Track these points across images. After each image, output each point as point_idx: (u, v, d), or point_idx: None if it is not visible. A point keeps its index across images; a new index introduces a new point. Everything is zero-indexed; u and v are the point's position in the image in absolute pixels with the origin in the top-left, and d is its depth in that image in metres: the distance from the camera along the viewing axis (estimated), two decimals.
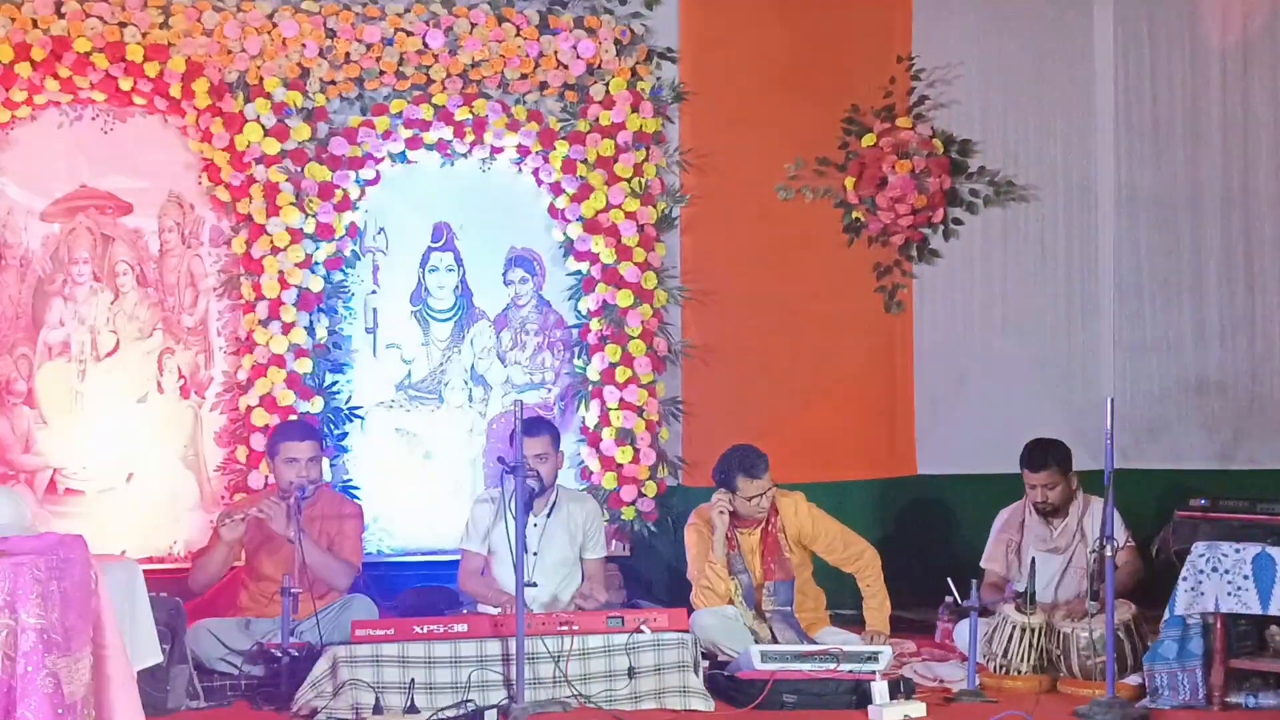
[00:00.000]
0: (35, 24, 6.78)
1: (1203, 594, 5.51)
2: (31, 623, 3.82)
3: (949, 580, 5.96)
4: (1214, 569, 5.50)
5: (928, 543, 7.44)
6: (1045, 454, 6.45)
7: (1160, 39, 7.86)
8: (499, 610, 5.95)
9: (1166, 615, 5.64)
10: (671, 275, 7.47)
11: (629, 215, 7.33)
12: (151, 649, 5.06)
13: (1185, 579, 5.57)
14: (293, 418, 6.84)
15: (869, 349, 7.77)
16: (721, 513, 6.16)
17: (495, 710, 5.36)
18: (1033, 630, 5.94)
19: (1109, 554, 5.49)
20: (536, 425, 6.21)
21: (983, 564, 6.62)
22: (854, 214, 7.70)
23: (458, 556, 6.45)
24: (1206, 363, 7.85)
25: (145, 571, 5.30)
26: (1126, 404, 7.49)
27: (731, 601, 6.16)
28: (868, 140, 7.63)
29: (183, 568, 6.79)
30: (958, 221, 7.79)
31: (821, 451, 7.53)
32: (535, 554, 6.12)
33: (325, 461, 6.94)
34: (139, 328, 7.06)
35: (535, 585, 5.74)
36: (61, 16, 6.80)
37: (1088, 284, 7.92)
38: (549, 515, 6.27)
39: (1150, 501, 6.96)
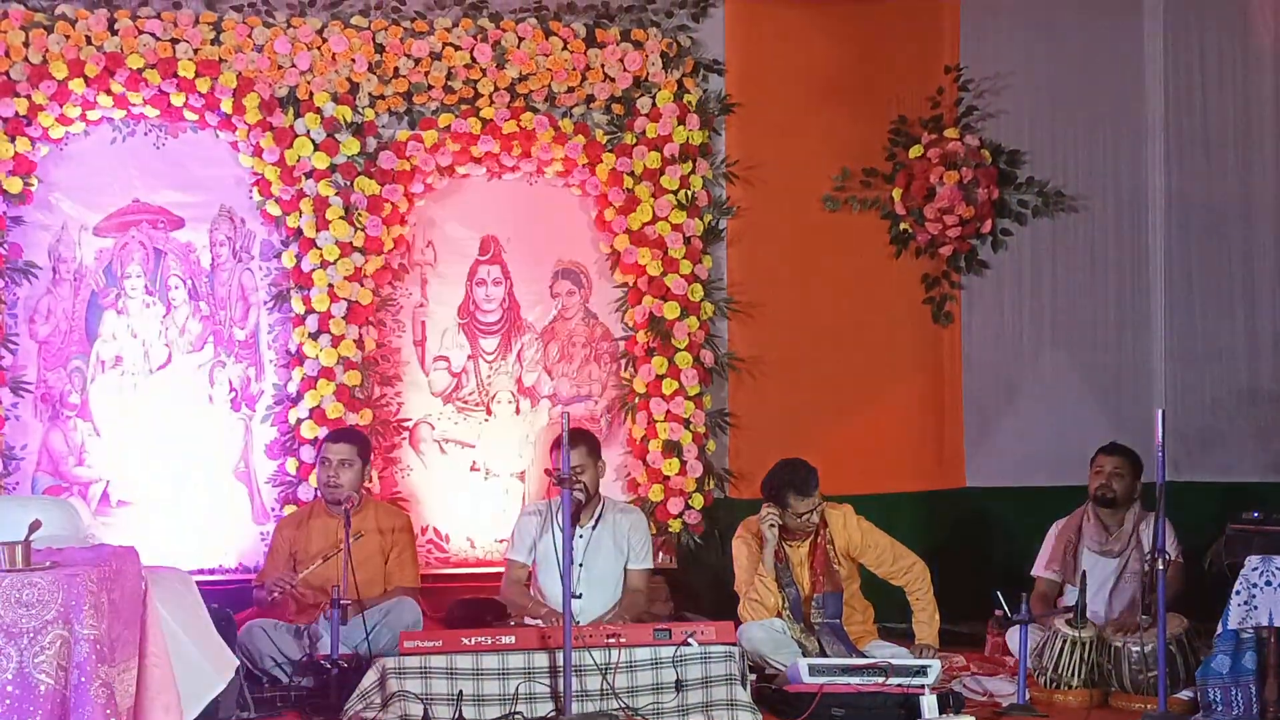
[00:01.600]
0: (89, 40, 6.85)
1: (1256, 608, 5.44)
2: (85, 633, 3.85)
3: (998, 593, 5.91)
4: (1268, 583, 5.43)
5: (977, 555, 7.38)
6: (1122, 446, 6.46)
7: (1210, 46, 7.79)
8: (537, 622, 5.97)
9: (1219, 629, 5.56)
10: (718, 287, 7.47)
11: (675, 227, 7.33)
12: (226, 660, 5.01)
13: (1238, 593, 5.50)
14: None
15: (917, 361, 7.73)
16: (772, 526, 6.13)
17: None
18: (1084, 644, 5.88)
19: (1161, 567, 5.44)
20: (571, 437, 6.20)
21: (1034, 573, 6.57)
22: (901, 225, 7.67)
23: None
24: (1259, 373, 7.76)
25: (196, 583, 5.32)
26: (1178, 415, 7.42)
27: (780, 614, 6.13)
28: (915, 151, 7.60)
29: (234, 580, 6.85)
30: (1006, 232, 7.75)
31: (869, 464, 7.50)
32: (581, 565, 6.12)
33: (374, 474, 6.98)
34: (190, 341, 7.12)
35: (579, 596, 5.73)
36: (114, 33, 6.87)
37: (1138, 294, 7.86)
38: (594, 526, 6.26)
39: (1202, 514, 6.88)
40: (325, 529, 6.21)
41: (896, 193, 7.61)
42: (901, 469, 7.61)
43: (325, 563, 5.97)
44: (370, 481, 6.69)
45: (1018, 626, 5.76)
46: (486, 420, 7.39)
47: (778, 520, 6.13)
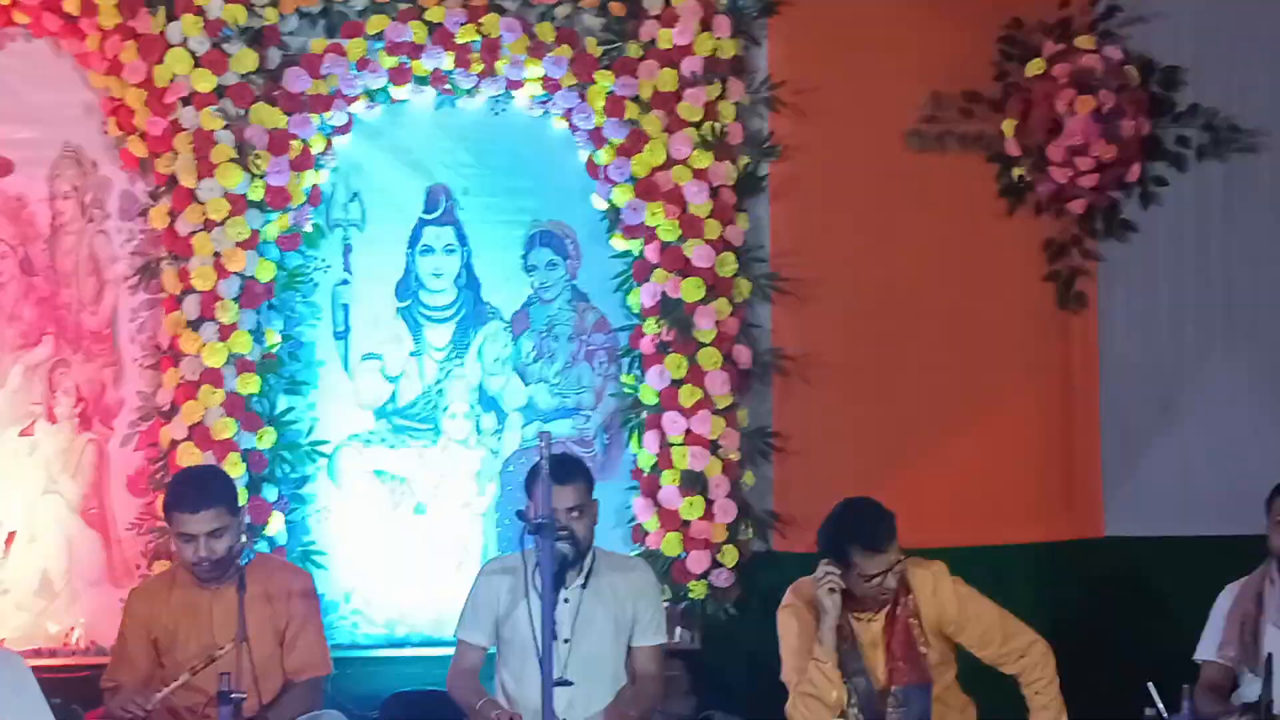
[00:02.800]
0: None
1: None
2: None
3: (1150, 685, 5.89)
4: None
5: (1119, 632, 7.38)
6: None
7: None
8: None
9: None
10: (758, 258, 7.48)
11: (698, 174, 7.32)
12: None
13: None
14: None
15: (1036, 361, 7.74)
16: (831, 590, 6.11)
17: None
18: None
19: None
20: (567, 468, 6.18)
21: (1198, 658, 6.56)
22: (1015, 171, 7.66)
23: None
24: None
25: (31, 668, 5.31)
26: None
27: (844, 715, 6.12)
28: (1035, 68, 7.59)
29: (84, 664, 6.83)
30: (1161, 181, 7.74)
31: (970, 505, 7.53)
32: (567, 641, 6.11)
33: (279, 517, 6.98)
34: (22, 332, 7.13)
35: (570, 684, 5.71)
36: None
37: None
38: (583, 587, 6.26)
39: None
40: (194, 607, 6.14)
41: (1009, 126, 7.61)
42: (1014, 512, 7.62)
43: (195, 676, 5.90)
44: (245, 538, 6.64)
45: None
46: (435, 442, 7.40)
47: (839, 584, 6.10)
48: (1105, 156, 7.53)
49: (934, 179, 7.63)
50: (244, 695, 5.72)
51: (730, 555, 7.29)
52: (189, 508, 6.03)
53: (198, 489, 6.18)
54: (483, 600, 6.27)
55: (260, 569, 6.26)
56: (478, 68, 7.28)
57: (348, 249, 7.39)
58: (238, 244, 7.02)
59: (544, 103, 7.42)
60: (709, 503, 7.28)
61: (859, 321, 7.54)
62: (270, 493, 7.02)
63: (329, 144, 7.27)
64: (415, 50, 7.21)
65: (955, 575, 6.28)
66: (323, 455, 7.28)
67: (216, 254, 7.01)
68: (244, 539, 6.52)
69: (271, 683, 6.10)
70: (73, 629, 7.10)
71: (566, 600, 6.17)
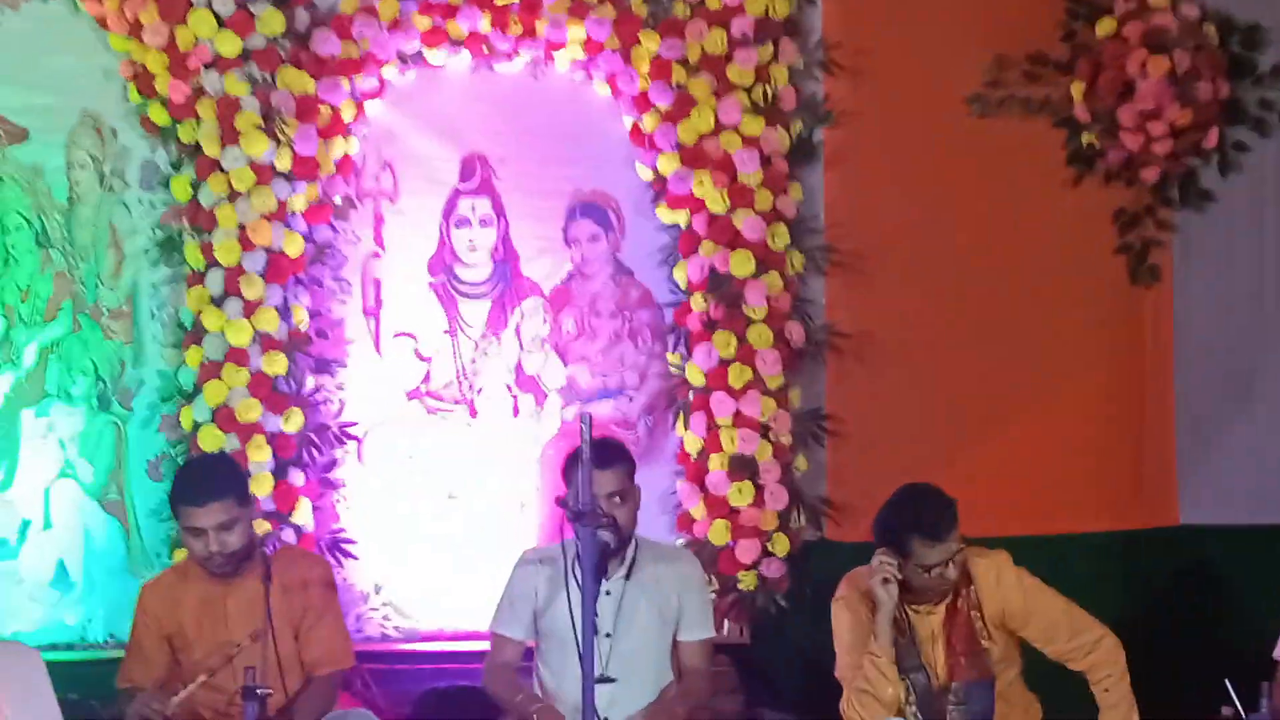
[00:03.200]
0: None
1: None
2: None
3: (1228, 682, 5.86)
4: None
5: (1194, 626, 7.35)
6: None
7: None
8: None
9: None
10: (812, 229, 7.46)
11: (748, 142, 7.30)
12: None
13: None
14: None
15: (1106, 339, 7.73)
16: (887, 581, 6.09)
17: None
18: None
19: None
20: (608, 452, 6.16)
21: (1278, 655, 6.51)
22: (1084, 137, 7.62)
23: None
24: None
25: (46, 662, 5.31)
26: None
27: (901, 713, 6.10)
28: (1105, 27, 7.54)
29: (102, 659, 6.84)
30: (1241, 147, 7.69)
31: (1035, 491, 7.54)
32: (609, 635, 6.10)
33: (307, 504, 6.99)
34: (38, 307, 7.14)
35: (613, 680, 5.69)
36: None
37: None
38: (627, 579, 6.24)
39: None
40: (209, 602, 6.13)
41: (1077, 89, 7.56)
42: (1082, 499, 7.62)
43: (213, 676, 5.89)
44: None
45: None
46: (470, 425, 7.41)
47: (895, 574, 6.07)
48: (1180, 121, 7.50)
49: (998, 146, 7.61)
50: (270, 690, 5.71)
51: (781, 544, 7.28)
52: (195, 500, 5.99)
53: (204, 480, 6.14)
54: (520, 592, 6.26)
55: (280, 559, 6.25)
56: (516, 29, 7.28)
57: (379, 221, 7.39)
58: (263, 216, 7.04)
59: (586, 66, 7.41)
60: (759, 489, 7.26)
61: (917, 297, 7.54)
62: (297, 478, 7.03)
63: (359, 110, 7.28)
64: (450, 11, 7.21)
65: (1019, 566, 6.25)
66: (352, 438, 7.28)
67: (241, 226, 7.03)
68: (269, 528, 6.53)
69: (295, 677, 6.10)
70: (91, 621, 7.12)
71: (608, 592, 6.16)
